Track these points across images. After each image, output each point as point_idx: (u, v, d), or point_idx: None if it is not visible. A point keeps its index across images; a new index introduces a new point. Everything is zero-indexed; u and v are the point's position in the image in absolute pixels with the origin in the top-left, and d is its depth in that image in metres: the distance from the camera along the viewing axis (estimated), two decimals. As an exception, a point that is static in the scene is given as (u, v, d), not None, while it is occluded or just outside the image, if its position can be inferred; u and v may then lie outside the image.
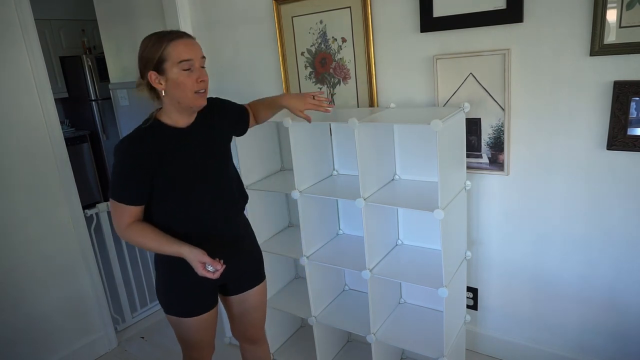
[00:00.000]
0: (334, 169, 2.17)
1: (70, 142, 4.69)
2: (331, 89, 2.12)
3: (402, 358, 2.22)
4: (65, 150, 2.31)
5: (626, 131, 1.56)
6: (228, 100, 1.64)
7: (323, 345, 2.16)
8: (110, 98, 3.93)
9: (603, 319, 1.83)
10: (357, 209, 1.75)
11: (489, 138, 1.82)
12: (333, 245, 2.11)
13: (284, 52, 2.19)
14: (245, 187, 2.08)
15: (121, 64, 3.52)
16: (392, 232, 2.04)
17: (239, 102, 2.44)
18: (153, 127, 1.39)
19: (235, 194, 1.58)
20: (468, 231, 1.98)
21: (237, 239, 1.59)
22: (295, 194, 1.90)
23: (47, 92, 2.22)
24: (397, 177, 1.99)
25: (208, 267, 1.35)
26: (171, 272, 1.49)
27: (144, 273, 2.85)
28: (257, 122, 1.77)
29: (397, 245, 2.06)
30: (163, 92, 1.35)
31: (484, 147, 1.85)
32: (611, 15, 1.48)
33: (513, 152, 1.81)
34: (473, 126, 1.84)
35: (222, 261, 1.37)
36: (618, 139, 1.58)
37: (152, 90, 1.37)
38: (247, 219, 1.67)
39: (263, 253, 2.16)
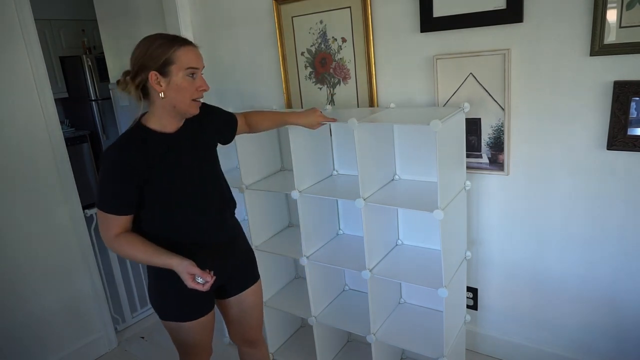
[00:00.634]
0: (334, 169, 2.17)
1: (70, 142, 4.69)
2: (331, 89, 2.12)
3: (402, 358, 2.22)
4: (65, 150, 2.31)
5: (626, 131, 1.56)
6: (216, 107, 1.64)
7: (323, 345, 2.16)
8: (110, 98, 3.93)
9: (603, 319, 1.83)
10: (357, 209, 1.75)
11: (489, 138, 1.82)
12: (333, 245, 2.11)
13: (284, 52, 2.19)
14: (245, 187, 2.09)
15: (121, 64, 3.52)
16: (392, 232, 2.03)
17: (238, 102, 2.46)
18: (140, 134, 1.37)
19: (226, 198, 1.58)
20: (468, 231, 1.98)
21: (232, 241, 1.59)
22: (295, 194, 1.90)
23: (47, 92, 2.22)
24: (397, 177, 1.99)
25: (197, 278, 1.33)
26: (166, 278, 1.45)
27: (144, 273, 2.85)
28: (251, 131, 1.78)
29: (397, 245, 2.06)
30: (161, 94, 1.33)
31: (484, 147, 1.85)
32: (611, 15, 1.48)
33: (513, 152, 1.81)
34: (473, 126, 1.84)
35: (212, 272, 1.35)
36: (618, 139, 1.58)
37: (140, 90, 1.34)
38: (237, 221, 1.66)
39: (263, 253, 2.18)
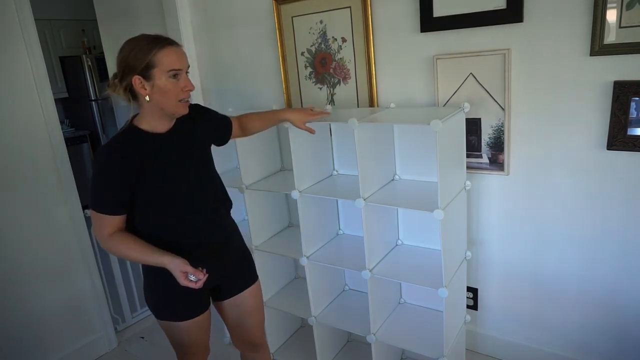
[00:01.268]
0: (334, 169, 2.17)
1: (70, 142, 4.69)
2: (331, 89, 2.12)
3: (402, 358, 2.22)
4: (65, 150, 2.31)
5: (626, 131, 1.56)
6: (211, 109, 1.64)
7: (323, 345, 2.16)
8: (110, 98, 3.93)
9: (603, 319, 1.83)
10: (357, 209, 1.75)
11: (489, 138, 1.82)
12: (333, 245, 2.11)
13: (284, 52, 2.19)
14: (245, 187, 2.09)
15: (121, 64, 3.51)
16: (392, 232, 2.04)
17: (238, 102, 2.46)
18: (131, 134, 1.37)
19: (221, 197, 1.58)
20: (468, 231, 1.98)
21: (227, 241, 1.58)
22: (295, 194, 1.90)
23: (47, 92, 2.22)
24: (397, 177, 1.99)
25: (190, 276, 1.33)
26: (160, 276, 1.45)
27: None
28: (244, 134, 1.77)
29: (397, 245, 2.06)
30: (147, 97, 1.32)
31: (484, 147, 1.85)
32: (611, 15, 1.48)
33: (513, 152, 1.81)
34: (473, 126, 1.84)
35: (204, 270, 1.35)
36: (618, 139, 1.58)
37: (128, 92, 1.34)
38: (233, 221, 1.66)
39: (263, 253, 2.18)
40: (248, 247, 2.15)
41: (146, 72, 1.30)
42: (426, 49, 1.84)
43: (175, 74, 1.32)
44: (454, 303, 1.86)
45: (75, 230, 2.37)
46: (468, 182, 1.85)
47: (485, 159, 1.86)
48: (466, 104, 1.75)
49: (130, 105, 1.38)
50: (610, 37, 1.50)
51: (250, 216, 2.14)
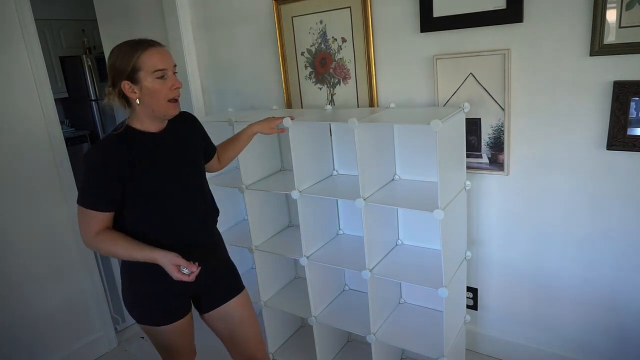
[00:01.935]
0: (334, 169, 2.17)
1: (70, 142, 4.69)
2: (331, 89, 2.12)
3: (402, 358, 2.22)
4: (65, 150, 2.31)
5: (626, 131, 1.56)
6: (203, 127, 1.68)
7: (323, 345, 2.16)
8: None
9: (603, 319, 1.83)
10: (357, 209, 1.75)
11: (489, 138, 1.83)
12: (333, 246, 2.11)
13: (284, 52, 2.19)
14: (245, 187, 2.09)
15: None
16: (392, 232, 2.04)
17: (238, 102, 2.46)
18: (125, 133, 1.39)
19: (209, 204, 1.59)
20: (468, 231, 1.98)
21: (213, 247, 1.60)
22: (295, 194, 1.90)
23: (47, 92, 2.22)
24: (397, 177, 2.00)
25: (183, 269, 1.33)
26: (139, 282, 1.46)
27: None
28: (220, 166, 1.79)
29: (397, 245, 2.06)
30: (137, 100, 1.35)
31: (483, 147, 1.85)
32: (611, 16, 1.48)
33: (513, 152, 1.81)
34: (473, 126, 1.84)
35: (197, 263, 1.36)
36: (618, 139, 1.58)
37: (123, 98, 1.37)
38: (219, 232, 1.67)
39: (263, 253, 2.18)
40: (248, 247, 2.17)
41: (133, 76, 1.32)
42: (426, 49, 1.85)
43: (162, 75, 1.34)
44: (454, 303, 1.86)
45: (75, 231, 2.36)
46: (468, 182, 1.85)
47: (485, 159, 1.86)
48: (466, 104, 1.75)
49: (127, 113, 1.42)
50: (610, 37, 1.51)
51: (250, 216, 2.14)
